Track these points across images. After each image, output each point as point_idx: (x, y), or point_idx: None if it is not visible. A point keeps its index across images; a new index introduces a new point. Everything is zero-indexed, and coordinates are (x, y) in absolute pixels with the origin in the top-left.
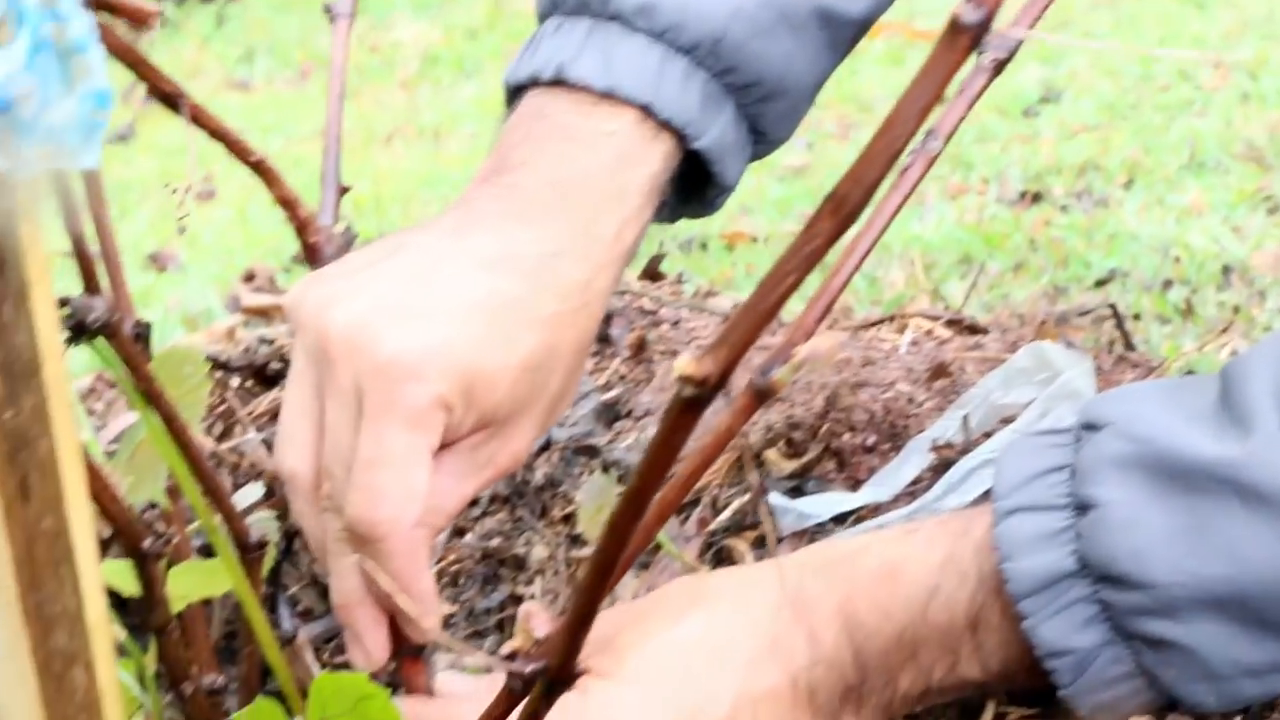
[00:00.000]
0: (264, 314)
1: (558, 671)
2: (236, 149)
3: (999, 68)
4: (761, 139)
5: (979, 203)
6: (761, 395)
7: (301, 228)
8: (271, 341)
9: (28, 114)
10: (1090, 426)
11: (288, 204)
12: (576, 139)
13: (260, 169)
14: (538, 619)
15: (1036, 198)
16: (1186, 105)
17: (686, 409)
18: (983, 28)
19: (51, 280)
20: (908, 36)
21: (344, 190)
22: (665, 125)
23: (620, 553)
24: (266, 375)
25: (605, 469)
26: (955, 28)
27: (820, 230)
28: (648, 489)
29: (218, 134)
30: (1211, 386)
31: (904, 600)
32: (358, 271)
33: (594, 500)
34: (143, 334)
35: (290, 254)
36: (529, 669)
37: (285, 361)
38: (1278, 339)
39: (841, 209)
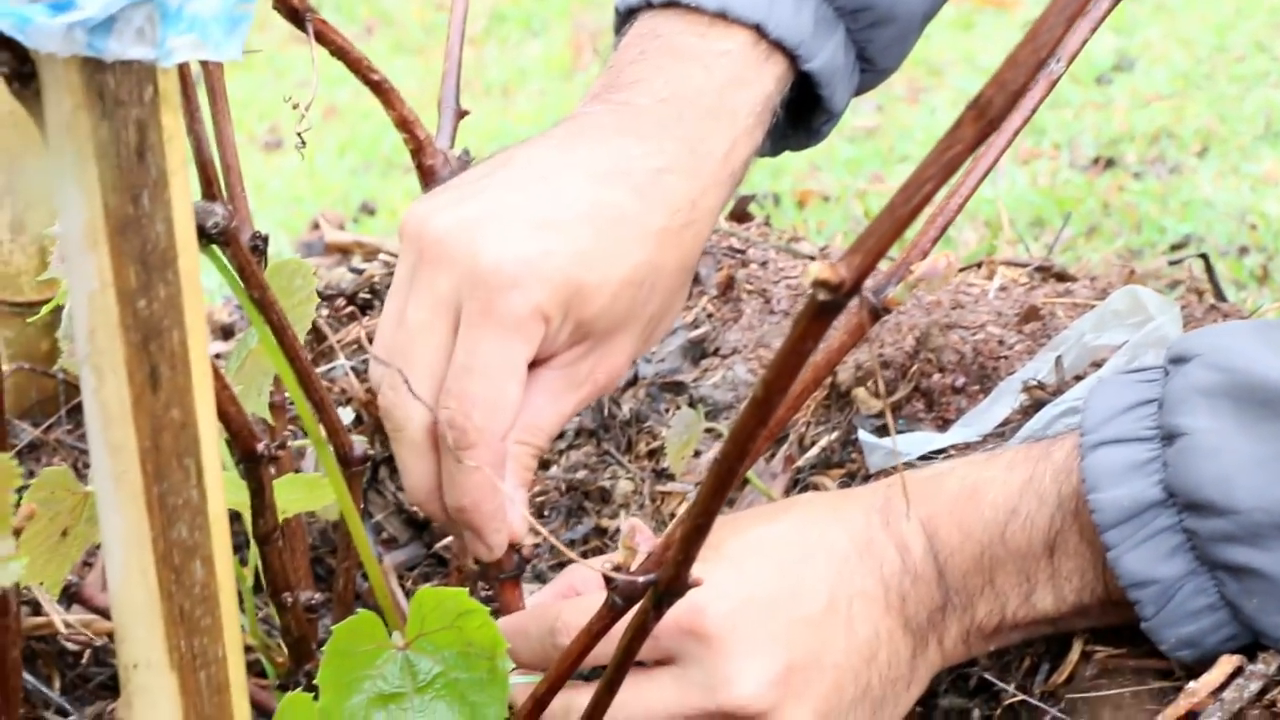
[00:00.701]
0: (346, 251)
1: (670, 583)
2: (359, 66)
3: None
4: (869, 67)
5: (1051, 167)
6: (876, 313)
7: (419, 149)
8: (360, 271)
9: (174, 2)
10: (1178, 360)
11: (406, 124)
12: (691, 59)
13: (380, 89)
14: (642, 534)
15: (1109, 164)
16: (1262, 76)
17: (819, 314)
18: None
19: (188, 173)
20: (976, 3)
21: (462, 114)
22: (777, 46)
23: (741, 461)
24: (356, 303)
25: (692, 405)
26: None
27: (962, 136)
28: (774, 395)
29: (339, 51)
30: None
31: (984, 520)
32: (465, 184)
33: (680, 435)
34: (259, 246)
35: (358, 203)
36: (641, 580)
37: (374, 292)
38: None
39: (984, 115)
